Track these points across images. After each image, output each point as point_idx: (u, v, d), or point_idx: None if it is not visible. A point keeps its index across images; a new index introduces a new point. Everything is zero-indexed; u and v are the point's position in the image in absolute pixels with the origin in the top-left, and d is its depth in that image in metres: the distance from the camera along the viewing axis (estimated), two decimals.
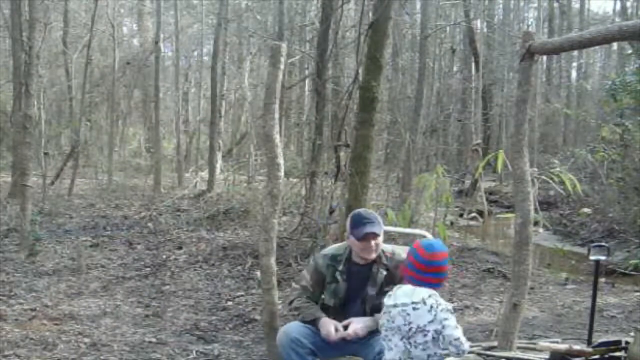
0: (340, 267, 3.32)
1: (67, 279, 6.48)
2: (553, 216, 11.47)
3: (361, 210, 3.40)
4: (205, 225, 9.27)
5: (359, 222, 3.22)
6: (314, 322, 3.26)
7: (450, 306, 2.73)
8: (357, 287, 3.30)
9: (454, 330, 2.67)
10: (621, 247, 8.47)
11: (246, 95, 14.77)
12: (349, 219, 3.33)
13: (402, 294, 2.71)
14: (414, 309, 2.64)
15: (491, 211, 11.41)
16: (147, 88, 19.41)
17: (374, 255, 3.25)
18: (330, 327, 3.19)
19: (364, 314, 3.25)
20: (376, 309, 3.24)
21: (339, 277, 3.31)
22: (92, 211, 10.78)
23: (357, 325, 3.16)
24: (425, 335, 2.63)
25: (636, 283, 7.02)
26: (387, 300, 2.76)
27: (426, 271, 2.70)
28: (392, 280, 3.23)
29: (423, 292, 2.67)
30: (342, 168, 7.24)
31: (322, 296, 3.39)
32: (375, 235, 3.20)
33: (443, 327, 2.64)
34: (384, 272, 3.27)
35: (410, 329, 2.64)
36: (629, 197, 9.90)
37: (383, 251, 3.31)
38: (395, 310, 2.68)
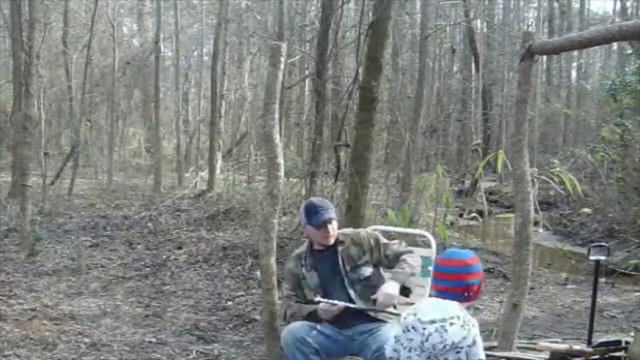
0: (303, 262, 3.45)
1: (67, 279, 6.48)
2: (553, 216, 11.47)
3: (313, 199, 3.61)
4: (205, 225, 9.27)
5: (314, 211, 3.38)
6: (312, 315, 3.30)
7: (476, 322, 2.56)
8: (329, 271, 3.40)
9: (481, 349, 2.51)
10: (621, 247, 8.47)
11: (246, 95, 14.78)
12: (303, 210, 3.47)
13: (432, 308, 2.49)
14: (450, 324, 2.43)
15: (491, 211, 11.42)
16: (147, 88, 19.41)
17: (332, 240, 3.41)
18: (329, 304, 3.25)
19: (348, 294, 3.33)
20: (362, 282, 3.36)
21: (304, 271, 3.44)
22: (92, 211, 10.78)
23: (387, 290, 3.23)
24: (458, 353, 2.44)
25: (636, 283, 7.02)
26: (414, 317, 2.50)
27: (439, 278, 2.53)
28: (363, 250, 3.41)
29: (454, 305, 2.49)
30: (342, 168, 7.24)
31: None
32: (331, 220, 3.37)
33: (474, 343, 2.47)
34: (351, 247, 3.41)
35: (444, 347, 2.43)
36: (629, 197, 9.90)
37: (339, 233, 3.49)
38: (433, 327, 2.44)
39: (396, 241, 3.51)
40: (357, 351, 3.29)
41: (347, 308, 3.23)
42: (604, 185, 11.14)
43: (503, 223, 11.58)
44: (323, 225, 3.35)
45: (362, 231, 3.55)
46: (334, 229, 3.39)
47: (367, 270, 3.39)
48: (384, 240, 3.48)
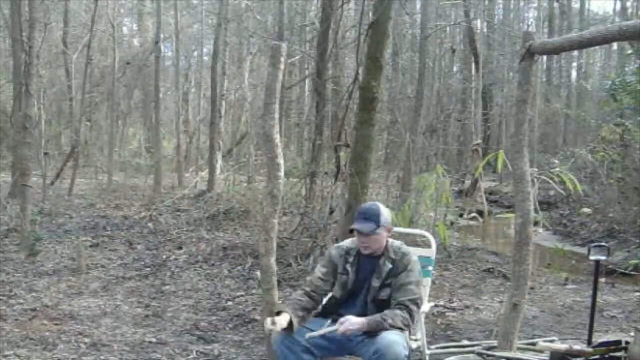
0: (351, 259, 3.39)
1: (67, 279, 6.48)
2: (553, 216, 11.46)
3: (366, 204, 3.47)
4: (205, 225, 9.27)
5: (357, 216, 3.36)
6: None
7: None
8: (363, 278, 3.36)
9: None
10: (621, 247, 8.46)
11: (246, 95, 14.78)
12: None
13: None
14: None
15: (491, 211, 11.41)
16: (147, 88, 19.42)
17: (366, 252, 3.34)
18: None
19: (365, 306, 3.31)
20: (377, 301, 3.30)
21: (349, 269, 3.38)
22: (92, 211, 10.78)
23: (350, 326, 3.11)
24: None
25: (636, 283, 7.02)
26: None
27: None
28: (396, 272, 3.30)
29: None
30: (342, 168, 7.23)
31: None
32: (360, 233, 3.28)
33: None
34: (389, 265, 3.32)
35: None
36: (629, 197, 9.89)
37: (392, 245, 3.39)
38: None
39: (413, 293, 3.27)
40: (355, 351, 3.27)
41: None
42: (604, 185, 11.13)
43: (503, 223, 11.58)
44: (357, 231, 3.30)
45: (409, 255, 3.34)
46: (371, 240, 3.28)
47: (387, 292, 3.30)
48: (409, 278, 3.29)
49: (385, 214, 3.34)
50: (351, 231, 3.37)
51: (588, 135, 17.21)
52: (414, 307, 3.25)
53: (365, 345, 3.15)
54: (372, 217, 3.28)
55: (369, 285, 3.33)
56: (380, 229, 3.27)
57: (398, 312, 3.21)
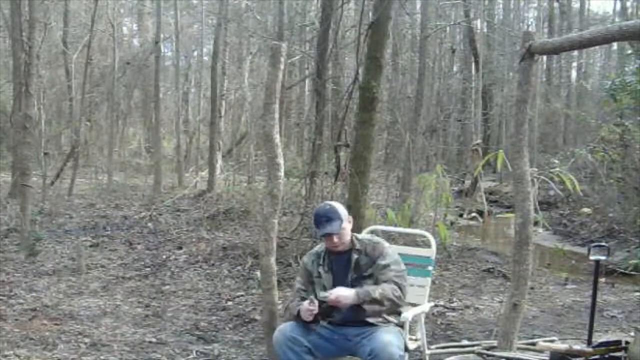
0: (321, 261, 3.44)
1: (67, 279, 6.48)
2: (553, 216, 11.46)
3: (320, 207, 3.47)
4: (205, 225, 9.26)
5: (317, 221, 3.37)
6: (298, 316, 3.28)
7: None
8: (340, 276, 3.39)
9: None
10: (621, 247, 8.46)
11: (246, 95, 14.77)
12: (312, 215, 3.51)
13: None
14: None
15: (491, 211, 11.41)
16: (147, 88, 19.42)
17: (338, 249, 3.38)
18: (303, 303, 3.25)
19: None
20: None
21: (321, 270, 3.43)
22: (92, 211, 10.78)
23: (341, 292, 3.19)
24: None
25: (636, 283, 7.02)
26: None
27: None
28: (372, 262, 3.35)
29: None
30: (342, 168, 7.24)
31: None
32: (331, 235, 3.31)
33: None
34: (363, 257, 3.37)
35: None
36: (629, 197, 9.89)
37: (356, 237, 3.45)
38: None
39: (396, 270, 3.34)
40: (353, 351, 3.29)
41: (322, 303, 3.22)
42: (604, 185, 11.12)
43: (503, 223, 11.58)
44: (324, 236, 3.35)
45: (380, 243, 3.43)
46: (339, 238, 3.33)
47: (369, 283, 3.31)
48: (386, 260, 3.34)
49: (340, 208, 3.42)
50: (320, 238, 3.43)
51: (588, 135, 17.17)
52: (401, 281, 3.32)
53: (363, 346, 3.18)
54: (334, 215, 3.33)
55: (348, 279, 3.35)
56: (344, 222, 3.35)
57: (386, 285, 3.27)
